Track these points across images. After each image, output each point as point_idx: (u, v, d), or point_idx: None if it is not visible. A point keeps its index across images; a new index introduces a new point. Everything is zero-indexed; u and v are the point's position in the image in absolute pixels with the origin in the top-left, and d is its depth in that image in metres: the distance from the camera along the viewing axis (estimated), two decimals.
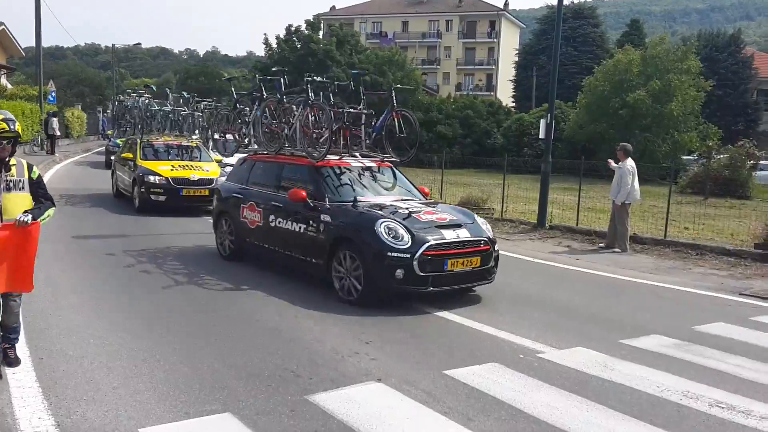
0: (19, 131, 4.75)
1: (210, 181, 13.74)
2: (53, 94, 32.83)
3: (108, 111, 28.77)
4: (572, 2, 54.09)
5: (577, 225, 14.07)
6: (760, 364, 5.85)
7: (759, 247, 11.56)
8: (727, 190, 22.01)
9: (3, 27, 34.33)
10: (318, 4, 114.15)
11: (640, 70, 32.34)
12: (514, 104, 53.45)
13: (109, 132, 30.43)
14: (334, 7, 78.49)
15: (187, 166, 14.26)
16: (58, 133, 28.86)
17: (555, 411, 4.62)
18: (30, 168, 4.91)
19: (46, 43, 36.61)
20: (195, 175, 13.85)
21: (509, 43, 69.94)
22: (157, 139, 15.56)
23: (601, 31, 53.85)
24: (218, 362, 5.33)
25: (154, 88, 18.86)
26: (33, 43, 27.26)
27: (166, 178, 13.65)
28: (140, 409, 4.39)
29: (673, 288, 9.14)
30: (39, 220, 4.71)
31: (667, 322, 7.17)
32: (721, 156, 24.17)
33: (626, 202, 11.86)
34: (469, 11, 71.92)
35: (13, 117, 4.79)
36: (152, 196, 13.52)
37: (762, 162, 25.93)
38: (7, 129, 4.62)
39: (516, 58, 57.77)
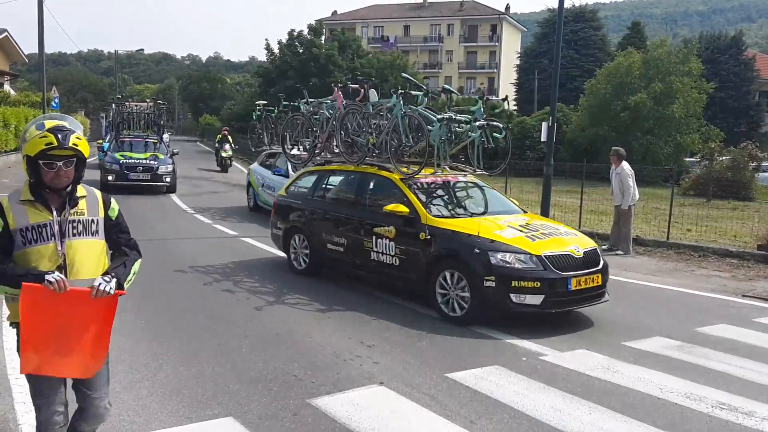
0: (83, 147, 3.14)
1: (596, 257, 7.31)
2: (56, 100, 32.90)
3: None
4: (573, 5, 54.11)
5: (579, 227, 14.04)
6: (763, 365, 5.83)
7: (762, 249, 11.54)
8: (730, 192, 21.97)
9: (6, 33, 34.48)
10: (320, 9, 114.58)
11: (641, 73, 32.31)
12: (515, 107, 53.44)
13: (100, 141, 26.67)
14: (335, 11, 78.67)
15: (529, 226, 7.50)
16: None
17: (558, 413, 4.62)
18: (107, 203, 3.36)
19: (48, 49, 36.76)
20: (577, 247, 7.14)
21: (511, 46, 69.93)
22: (440, 173, 8.49)
23: (602, 34, 53.79)
24: (220, 367, 5.33)
25: (411, 79, 9.05)
26: (36, 50, 27.36)
27: (537, 258, 6.75)
28: (143, 414, 4.40)
29: (676, 290, 9.12)
30: (126, 285, 3.23)
31: (669, 324, 7.16)
32: (724, 158, 24.14)
33: (631, 205, 11.87)
34: (470, 15, 71.96)
35: (70, 123, 3.21)
36: (514, 297, 6.60)
37: (765, 163, 25.88)
38: (55, 144, 3.03)
39: (517, 62, 57.76)
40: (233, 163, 28.86)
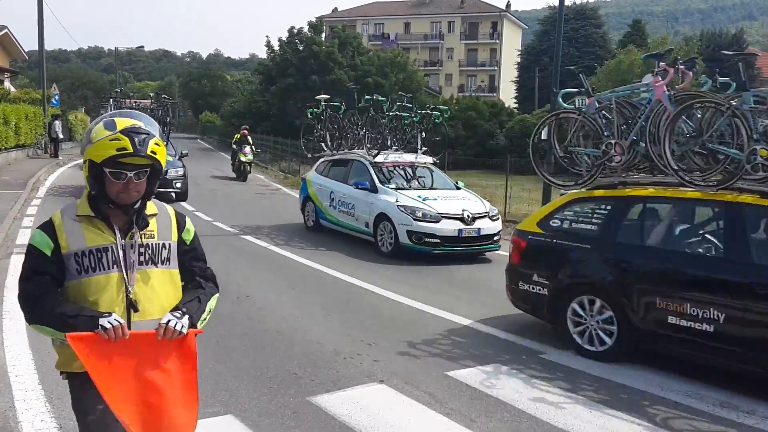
0: (161, 156, 2.51)
1: None
2: (57, 97, 32.93)
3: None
4: (574, 3, 54.15)
5: None
6: None
7: None
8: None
9: (6, 30, 34.44)
10: (320, 6, 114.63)
11: (642, 71, 32.30)
12: (516, 105, 53.44)
13: None
14: (336, 8, 78.56)
15: None
16: (61, 136, 28.99)
17: (558, 411, 4.62)
18: (181, 223, 2.75)
19: (48, 46, 36.72)
20: None
21: (511, 44, 69.87)
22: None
23: (603, 32, 53.81)
24: (220, 364, 5.33)
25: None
26: (36, 47, 27.30)
27: None
28: None
29: None
30: (200, 325, 2.60)
31: None
32: None
33: None
34: (471, 12, 71.90)
35: (146, 123, 2.64)
36: None
37: None
38: (130, 149, 2.42)
39: (518, 59, 57.77)
40: (252, 169, 23.75)
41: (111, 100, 21.94)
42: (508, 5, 73.11)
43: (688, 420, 4.59)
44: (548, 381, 5.21)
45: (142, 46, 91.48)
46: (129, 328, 2.43)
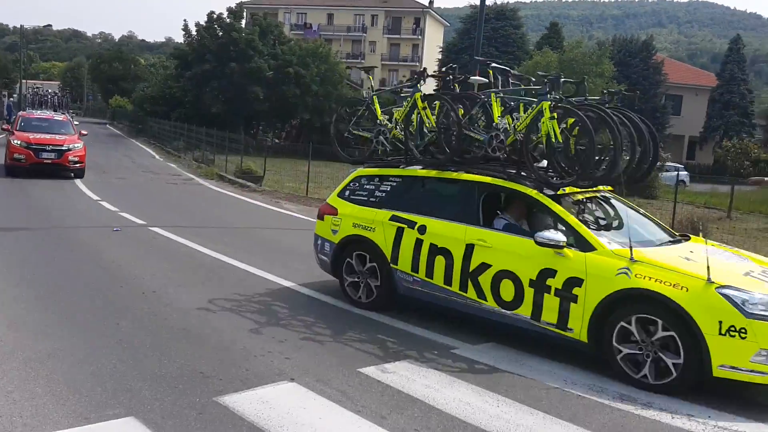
0: None
1: None
2: None
3: (14, 96, 20.53)
4: (495, 3, 55.23)
5: None
6: None
7: None
8: (635, 190, 23.05)
9: None
10: None
11: (557, 72, 33.44)
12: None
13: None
14: None
15: None
16: None
17: (467, 407, 4.68)
18: None
19: None
20: None
21: (433, 40, 70.69)
22: None
23: (522, 33, 55.21)
24: (122, 364, 5.09)
25: None
26: None
27: None
28: (37, 415, 4.14)
29: None
30: None
31: None
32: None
33: None
34: (394, 7, 72.25)
35: None
36: None
37: (668, 164, 27.41)
38: None
39: (440, 56, 58.46)
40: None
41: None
42: (431, 2, 73.92)
43: (589, 412, 4.76)
44: (459, 377, 5.27)
45: (50, 25, 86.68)
46: None
